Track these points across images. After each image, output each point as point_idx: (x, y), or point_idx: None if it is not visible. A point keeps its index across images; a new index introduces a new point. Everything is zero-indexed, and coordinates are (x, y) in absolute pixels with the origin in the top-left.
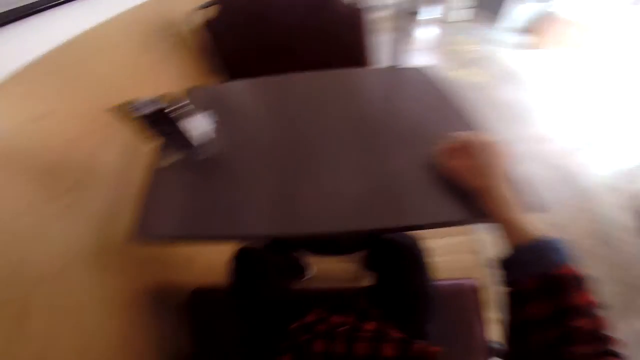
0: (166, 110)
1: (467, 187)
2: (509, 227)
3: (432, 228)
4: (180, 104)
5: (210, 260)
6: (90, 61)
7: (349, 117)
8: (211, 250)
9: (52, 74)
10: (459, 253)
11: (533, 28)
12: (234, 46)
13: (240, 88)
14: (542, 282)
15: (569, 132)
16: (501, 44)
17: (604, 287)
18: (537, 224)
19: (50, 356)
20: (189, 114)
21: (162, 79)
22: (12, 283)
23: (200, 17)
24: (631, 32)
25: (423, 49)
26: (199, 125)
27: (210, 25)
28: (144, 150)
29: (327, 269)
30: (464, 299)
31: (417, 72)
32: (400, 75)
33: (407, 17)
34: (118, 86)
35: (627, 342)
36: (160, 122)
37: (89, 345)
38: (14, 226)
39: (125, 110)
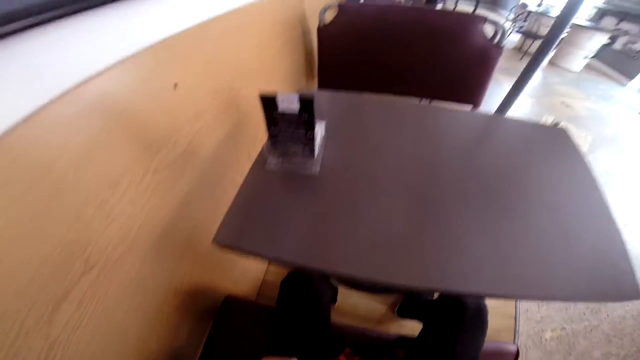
0: (310, 111)
1: None
2: None
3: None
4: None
5: (247, 268)
6: (218, 44)
7: (468, 165)
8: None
9: (182, 51)
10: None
11: None
12: (336, 54)
13: (349, 102)
14: None
15: None
16: (621, 106)
17: None
18: None
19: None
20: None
21: (276, 74)
22: (80, 231)
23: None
24: None
25: (530, 95)
26: (318, 135)
27: (321, 30)
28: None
29: (351, 303)
30: None
31: (556, 132)
32: (530, 130)
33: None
34: (240, 72)
35: None
36: (298, 121)
37: (117, 326)
38: (105, 192)
39: (269, 100)
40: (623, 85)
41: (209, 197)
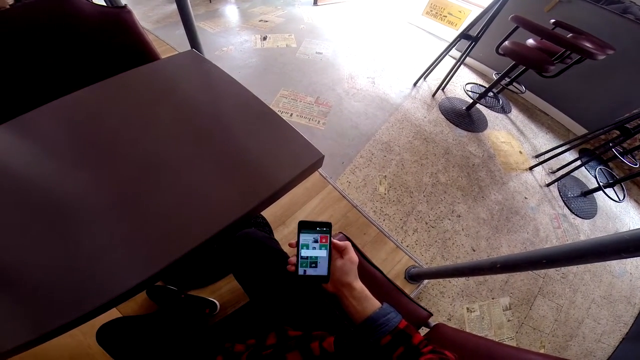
0: None
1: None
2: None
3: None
4: None
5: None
6: None
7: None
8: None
9: None
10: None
11: None
12: None
13: None
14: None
15: (365, 68)
16: (300, 4)
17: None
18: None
19: None
20: None
21: None
22: None
23: None
24: None
25: (234, 27)
26: None
27: None
28: None
29: (232, 289)
30: None
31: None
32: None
33: None
34: None
35: None
36: None
37: None
38: None
39: None
40: None
41: None
